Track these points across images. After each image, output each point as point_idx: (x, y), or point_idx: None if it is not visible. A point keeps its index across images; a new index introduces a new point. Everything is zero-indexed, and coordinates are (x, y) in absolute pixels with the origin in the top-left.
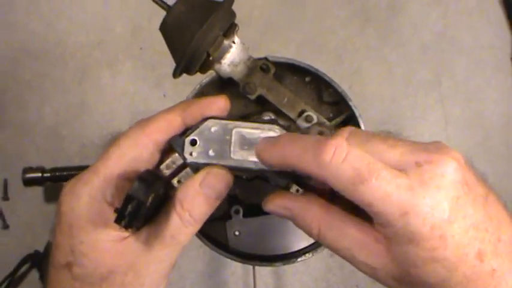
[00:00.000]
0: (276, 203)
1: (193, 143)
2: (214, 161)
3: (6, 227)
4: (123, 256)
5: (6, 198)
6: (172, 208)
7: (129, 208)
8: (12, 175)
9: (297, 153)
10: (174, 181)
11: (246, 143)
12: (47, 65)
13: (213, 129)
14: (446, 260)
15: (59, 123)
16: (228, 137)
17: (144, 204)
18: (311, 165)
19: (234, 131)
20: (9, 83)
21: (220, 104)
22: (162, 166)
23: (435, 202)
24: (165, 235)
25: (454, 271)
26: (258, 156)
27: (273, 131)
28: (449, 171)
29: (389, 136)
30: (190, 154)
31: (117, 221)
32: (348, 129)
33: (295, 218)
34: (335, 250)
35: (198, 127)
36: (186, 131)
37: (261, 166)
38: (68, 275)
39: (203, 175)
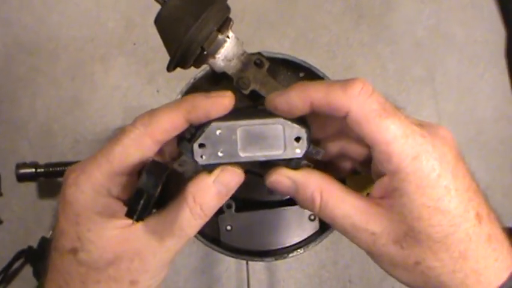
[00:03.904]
0: (279, 172)
1: (201, 146)
2: (224, 161)
3: None
4: (130, 243)
5: None
6: (182, 200)
7: (141, 202)
8: (5, 170)
9: (323, 89)
10: (175, 165)
11: (253, 140)
12: (40, 60)
13: (217, 132)
14: (450, 213)
15: (51, 118)
16: (234, 137)
17: (154, 196)
18: (339, 97)
19: (238, 131)
20: (1, 78)
21: (226, 103)
22: (175, 164)
23: (442, 153)
24: (174, 227)
25: (457, 226)
26: (271, 102)
27: (278, 124)
28: (448, 136)
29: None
30: (201, 157)
31: (128, 214)
32: (364, 82)
33: (298, 187)
34: (335, 218)
35: (203, 131)
36: (190, 128)
37: (270, 158)
38: (73, 260)
39: (218, 172)
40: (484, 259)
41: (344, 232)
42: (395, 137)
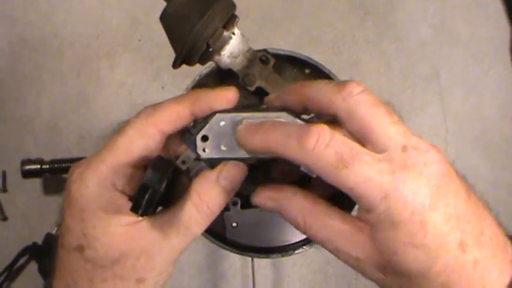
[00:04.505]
0: (262, 195)
1: (204, 139)
2: (227, 155)
3: (4, 218)
4: (135, 241)
5: (4, 190)
6: (188, 199)
7: (146, 197)
8: (10, 167)
9: (280, 140)
10: (178, 162)
11: None
12: (45, 57)
13: (221, 124)
14: (426, 247)
15: (56, 115)
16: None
17: (159, 191)
18: (295, 151)
19: (242, 123)
20: (7, 76)
21: (230, 96)
22: (178, 161)
23: (416, 187)
24: (180, 225)
25: (435, 259)
26: (238, 141)
27: (282, 118)
28: (432, 161)
29: (395, 112)
30: (204, 150)
31: (133, 209)
32: (362, 85)
33: (281, 209)
34: (319, 242)
35: (207, 122)
36: (194, 123)
37: (274, 155)
38: (80, 257)
39: (220, 167)
40: (468, 287)
41: (329, 251)
42: (356, 183)
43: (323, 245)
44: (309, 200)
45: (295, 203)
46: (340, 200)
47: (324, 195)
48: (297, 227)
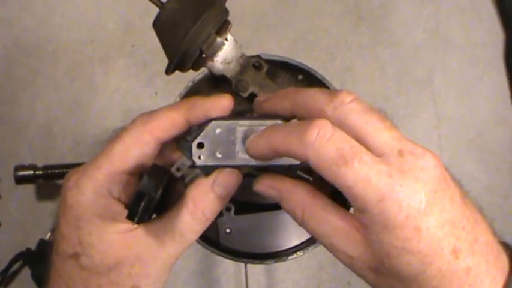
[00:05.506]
0: (263, 182)
1: (200, 146)
2: (222, 162)
3: None
4: (131, 248)
5: None
6: (183, 206)
7: (142, 204)
8: (4, 173)
9: (282, 136)
10: (173, 169)
11: None
12: (39, 61)
13: (217, 131)
14: (420, 253)
15: (51, 120)
16: (232, 137)
17: (155, 199)
18: (295, 145)
19: (237, 131)
20: (1, 80)
21: (225, 103)
22: (173, 169)
23: (412, 192)
24: (175, 232)
25: (428, 265)
26: (247, 152)
27: None
28: (429, 166)
29: (387, 118)
30: (199, 157)
31: (129, 217)
32: (353, 94)
33: (282, 199)
34: (316, 236)
35: (203, 129)
36: (190, 130)
37: (268, 162)
38: (75, 264)
39: (215, 174)
40: None
41: (325, 247)
42: (355, 182)
43: (319, 239)
44: (309, 193)
45: (296, 194)
46: (341, 197)
47: (325, 192)
48: (295, 218)
